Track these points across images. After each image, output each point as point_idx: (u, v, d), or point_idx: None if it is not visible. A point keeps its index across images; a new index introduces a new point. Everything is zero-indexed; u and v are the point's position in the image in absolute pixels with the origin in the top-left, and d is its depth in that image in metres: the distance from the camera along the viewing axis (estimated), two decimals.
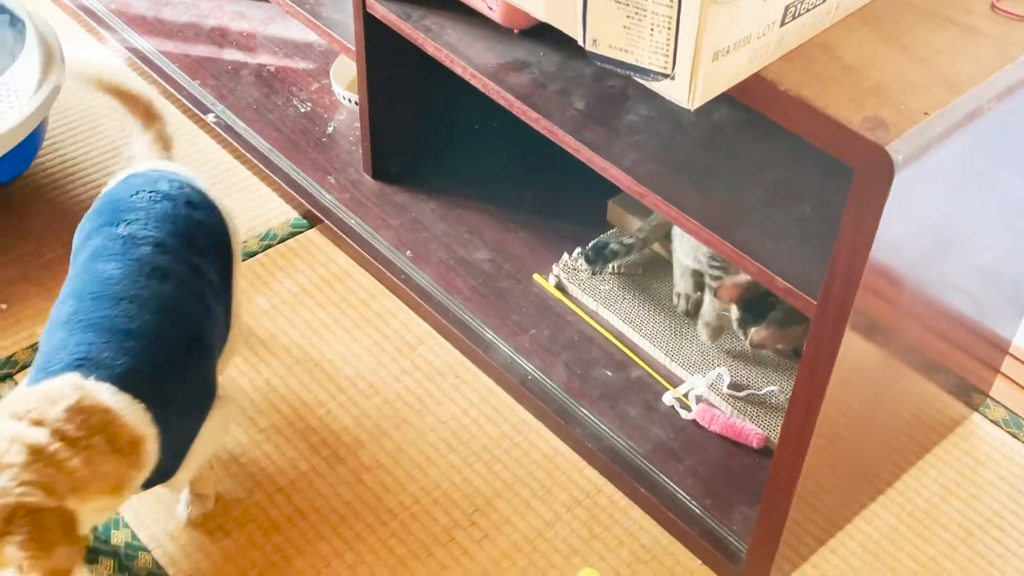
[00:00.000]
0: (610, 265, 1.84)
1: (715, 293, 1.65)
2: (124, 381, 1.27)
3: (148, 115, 1.55)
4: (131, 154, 1.56)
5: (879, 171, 1.05)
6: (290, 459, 1.62)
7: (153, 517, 1.54)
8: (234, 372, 1.73)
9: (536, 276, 1.84)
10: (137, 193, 1.43)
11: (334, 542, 1.53)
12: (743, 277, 1.61)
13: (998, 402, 1.73)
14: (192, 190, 1.47)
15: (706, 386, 1.67)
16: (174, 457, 1.34)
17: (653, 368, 1.72)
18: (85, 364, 1.27)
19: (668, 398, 1.67)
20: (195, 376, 1.37)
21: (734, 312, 1.65)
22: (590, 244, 1.82)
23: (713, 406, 1.65)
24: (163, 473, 1.34)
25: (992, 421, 1.71)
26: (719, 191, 1.41)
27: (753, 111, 1.12)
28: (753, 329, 1.63)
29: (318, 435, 1.66)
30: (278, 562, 1.51)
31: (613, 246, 1.80)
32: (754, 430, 1.62)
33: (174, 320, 1.35)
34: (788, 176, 1.42)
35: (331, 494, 1.59)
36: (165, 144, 1.56)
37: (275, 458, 1.62)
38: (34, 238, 1.90)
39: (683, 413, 1.65)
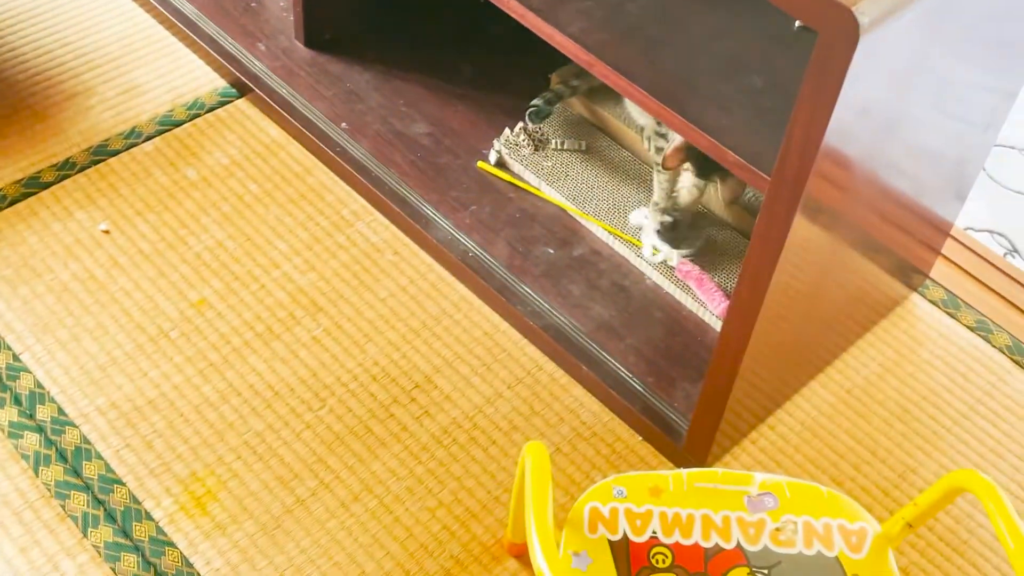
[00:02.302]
0: (553, 141, 1.80)
1: (662, 164, 1.62)
2: None
3: None
4: None
5: (844, 34, 1.03)
6: (222, 334, 1.59)
7: (81, 392, 1.50)
8: (161, 245, 1.68)
9: (480, 164, 1.80)
10: None
11: (268, 418, 1.51)
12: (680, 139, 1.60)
13: (937, 283, 1.75)
14: None
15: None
16: None
17: (596, 246, 1.70)
18: None
19: (647, 252, 1.67)
20: None
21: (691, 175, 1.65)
22: (529, 109, 1.79)
23: (686, 262, 1.65)
24: None
25: (931, 301, 1.73)
26: (669, 61, 1.37)
27: None
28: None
29: (251, 310, 1.62)
30: (209, 438, 1.48)
31: (541, 104, 1.78)
32: (721, 296, 1.60)
33: None
34: (738, 48, 1.39)
35: (265, 370, 1.56)
36: None
37: (207, 333, 1.59)
38: None
39: (663, 257, 1.65)
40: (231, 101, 1.89)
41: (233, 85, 1.91)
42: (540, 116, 1.79)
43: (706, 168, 1.62)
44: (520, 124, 1.82)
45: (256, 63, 1.90)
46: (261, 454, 1.47)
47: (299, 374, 1.56)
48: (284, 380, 1.55)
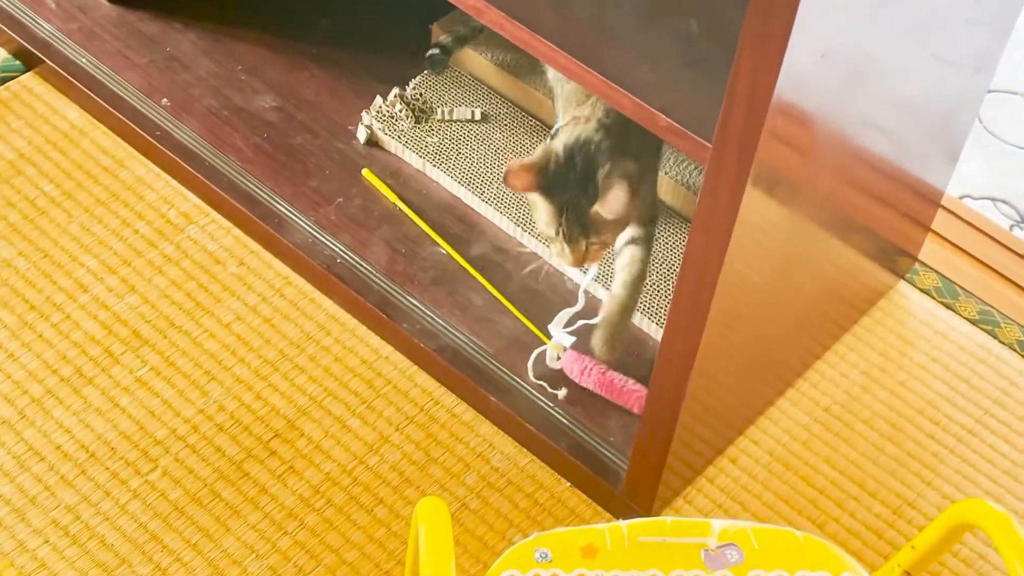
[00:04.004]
0: (439, 109, 1.81)
1: (504, 179, 1.51)
2: None
3: None
4: None
5: None
6: (17, 382, 1.58)
7: None
8: None
9: (365, 173, 1.80)
10: None
11: (83, 488, 1.50)
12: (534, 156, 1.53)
13: (928, 267, 1.80)
14: None
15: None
16: None
17: (499, 242, 1.72)
18: None
19: (544, 349, 1.61)
20: None
21: (541, 205, 1.53)
22: (430, 51, 1.81)
23: (585, 355, 1.60)
24: None
25: (922, 290, 1.78)
26: (579, 5, 1.40)
27: None
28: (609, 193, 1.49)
29: (53, 349, 1.61)
30: (6, 519, 1.47)
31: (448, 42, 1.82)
32: (635, 389, 1.57)
33: None
34: None
35: (76, 425, 1.55)
36: None
37: None
38: None
39: (551, 364, 1.61)
40: (14, 77, 1.88)
41: (15, 55, 1.90)
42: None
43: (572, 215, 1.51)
44: (395, 91, 1.83)
45: (44, 25, 1.89)
46: (75, 535, 1.46)
47: (121, 428, 1.55)
48: (101, 437, 1.54)
